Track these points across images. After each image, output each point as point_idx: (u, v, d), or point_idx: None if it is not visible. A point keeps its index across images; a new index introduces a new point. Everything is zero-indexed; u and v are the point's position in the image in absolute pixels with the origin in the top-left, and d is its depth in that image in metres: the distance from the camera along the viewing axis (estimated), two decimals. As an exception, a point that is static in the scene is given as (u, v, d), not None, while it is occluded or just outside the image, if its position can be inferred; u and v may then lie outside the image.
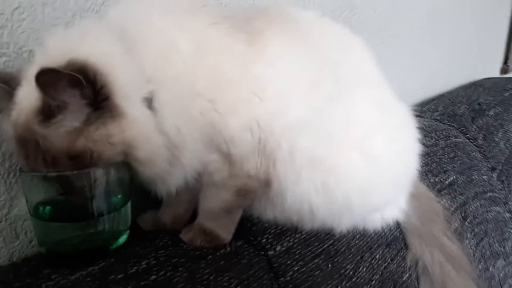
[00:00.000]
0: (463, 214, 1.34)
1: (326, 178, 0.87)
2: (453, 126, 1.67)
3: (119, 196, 0.80)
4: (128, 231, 0.83)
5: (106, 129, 0.69)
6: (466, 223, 1.34)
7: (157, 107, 0.73)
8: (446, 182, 1.37)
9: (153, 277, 0.74)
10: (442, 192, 1.32)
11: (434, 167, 1.37)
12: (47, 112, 0.67)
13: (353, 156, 0.88)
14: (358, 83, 0.90)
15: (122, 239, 0.81)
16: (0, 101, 0.72)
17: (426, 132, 1.48)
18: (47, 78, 0.63)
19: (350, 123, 0.88)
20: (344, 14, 1.52)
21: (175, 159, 0.77)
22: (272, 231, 0.96)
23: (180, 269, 0.77)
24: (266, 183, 0.87)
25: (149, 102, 0.73)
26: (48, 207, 0.77)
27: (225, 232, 0.90)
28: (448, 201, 1.31)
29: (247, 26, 0.83)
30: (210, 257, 0.83)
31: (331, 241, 0.99)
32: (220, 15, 0.84)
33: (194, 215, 0.94)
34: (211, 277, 0.78)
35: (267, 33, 0.83)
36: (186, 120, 0.76)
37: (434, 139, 1.48)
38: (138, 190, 0.82)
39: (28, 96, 0.69)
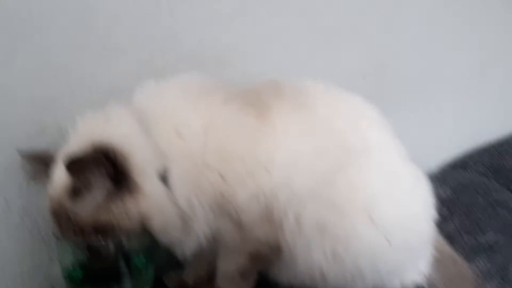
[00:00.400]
0: (504, 278, 1.27)
1: (335, 246, 0.89)
2: (498, 181, 1.60)
3: (142, 259, 0.88)
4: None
5: (124, 204, 0.79)
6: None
7: (170, 181, 0.83)
8: (485, 242, 1.31)
9: None
10: (480, 254, 1.27)
11: (470, 226, 1.33)
12: (75, 191, 0.78)
13: (361, 223, 0.90)
14: (366, 150, 0.93)
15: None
16: (39, 176, 0.86)
17: (464, 187, 1.45)
18: (75, 165, 0.75)
19: (357, 190, 0.91)
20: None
21: (187, 227, 0.85)
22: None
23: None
24: (277, 249, 0.92)
25: (164, 177, 0.82)
26: (79, 271, 0.87)
27: (242, 294, 0.95)
28: (486, 264, 1.25)
29: (257, 101, 0.91)
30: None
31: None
32: (232, 93, 0.92)
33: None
34: None
35: (274, 108, 0.90)
36: (197, 192, 0.84)
37: (472, 195, 1.44)
38: (164, 252, 0.91)
39: (60, 175, 0.81)
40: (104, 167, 0.76)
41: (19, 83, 0.93)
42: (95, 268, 0.85)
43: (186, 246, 0.89)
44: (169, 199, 0.83)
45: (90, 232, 0.80)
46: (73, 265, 0.86)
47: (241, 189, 0.85)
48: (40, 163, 0.85)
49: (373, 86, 1.50)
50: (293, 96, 0.94)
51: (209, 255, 0.99)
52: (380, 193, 0.92)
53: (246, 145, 0.86)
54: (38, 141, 0.94)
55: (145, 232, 0.84)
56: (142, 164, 0.81)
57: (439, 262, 1.06)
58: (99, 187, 0.78)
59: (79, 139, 0.81)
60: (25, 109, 0.95)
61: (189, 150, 0.84)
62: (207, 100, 0.89)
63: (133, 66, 1.04)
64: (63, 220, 0.80)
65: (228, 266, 0.94)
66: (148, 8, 1.04)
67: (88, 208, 0.79)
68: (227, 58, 1.18)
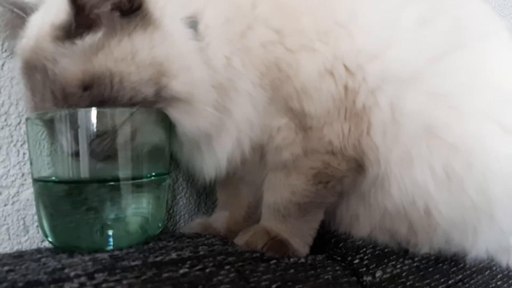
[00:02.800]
0: None
1: (450, 159, 0.58)
2: None
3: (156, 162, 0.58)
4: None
5: (132, 41, 0.50)
6: None
7: (202, 29, 0.54)
8: None
9: (183, 270, 0.48)
10: None
11: None
12: (69, 29, 0.51)
13: (489, 129, 0.59)
14: (486, 31, 0.64)
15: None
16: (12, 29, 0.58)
17: None
18: None
19: (482, 80, 0.61)
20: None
21: (223, 108, 0.55)
22: (368, 251, 0.66)
23: (227, 267, 0.50)
24: (358, 165, 0.61)
25: (193, 23, 0.54)
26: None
27: (299, 241, 0.63)
28: None
29: None
30: (273, 261, 0.55)
31: (460, 276, 0.66)
32: None
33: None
34: (273, 285, 0.50)
35: None
36: (240, 52, 0.55)
37: None
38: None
39: (45, 14, 0.54)
40: None
41: None
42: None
43: (219, 147, 0.58)
44: (199, 53, 0.54)
45: (75, 94, 0.50)
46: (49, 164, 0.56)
47: (307, 57, 0.56)
48: (18, 14, 0.59)
49: None
50: None
51: (250, 188, 0.69)
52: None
53: None
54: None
55: (158, 116, 0.54)
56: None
57: None
58: (106, 22, 0.51)
59: None
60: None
61: None
62: None
63: None
64: (38, 81, 0.52)
65: (281, 194, 0.63)
66: None
67: (77, 51, 0.50)
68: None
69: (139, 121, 0.54)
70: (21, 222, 0.65)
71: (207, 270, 0.49)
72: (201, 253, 0.53)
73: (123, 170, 0.55)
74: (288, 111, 0.58)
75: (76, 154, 0.52)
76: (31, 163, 0.57)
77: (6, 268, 0.45)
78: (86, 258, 0.49)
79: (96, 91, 0.50)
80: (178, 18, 0.53)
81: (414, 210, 0.61)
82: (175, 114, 0.54)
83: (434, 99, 0.58)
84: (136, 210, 0.56)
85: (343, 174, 0.61)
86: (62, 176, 0.55)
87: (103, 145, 0.52)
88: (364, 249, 0.66)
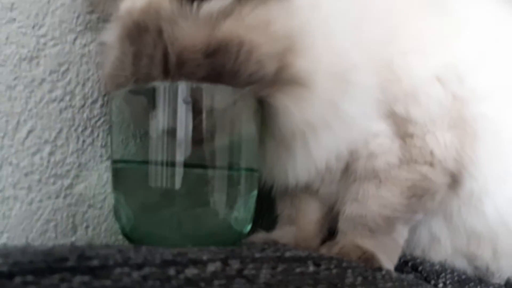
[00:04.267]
0: None
1: None
2: None
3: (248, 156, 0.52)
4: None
5: (268, 9, 0.46)
6: None
7: (325, 11, 0.51)
8: None
9: (312, 268, 0.42)
10: None
11: None
12: None
13: None
14: None
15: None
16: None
17: None
18: None
19: None
20: None
21: (333, 101, 0.52)
22: (448, 276, 0.62)
23: (349, 270, 0.44)
24: (453, 180, 0.58)
25: (317, 8, 0.52)
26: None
27: (386, 258, 0.57)
28: None
29: None
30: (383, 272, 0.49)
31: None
32: None
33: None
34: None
35: None
36: (358, 45, 0.52)
37: None
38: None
39: None
40: None
41: None
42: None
43: (317, 144, 0.53)
44: (326, 38, 0.50)
45: (195, 61, 0.45)
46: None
47: (419, 60, 0.54)
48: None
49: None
50: None
51: (322, 202, 0.64)
52: None
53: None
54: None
55: (256, 106, 0.49)
56: None
57: None
58: None
59: None
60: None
61: None
62: None
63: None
64: (147, 44, 0.46)
65: (370, 207, 0.57)
66: None
67: (205, 15, 0.46)
68: None
69: (242, 107, 0.49)
70: (70, 220, 0.56)
71: (333, 271, 0.43)
72: (313, 254, 0.47)
73: (220, 158, 0.49)
74: (390, 116, 0.56)
75: (172, 134, 0.46)
76: (111, 145, 0.50)
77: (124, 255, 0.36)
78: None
79: (219, 59, 0.45)
80: None
81: (504, 231, 0.59)
82: (285, 100, 0.49)
83: None
84: (228, 205, 0.50)
85: (437, 189, 0.58)
86: (152, 158, 0.48)
87: (206, 125, 0.46)
88: (444, 274, 0.62)
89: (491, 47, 0.59)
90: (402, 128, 0.56)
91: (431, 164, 0.57)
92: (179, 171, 0.47)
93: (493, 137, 0.57)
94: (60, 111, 0.55)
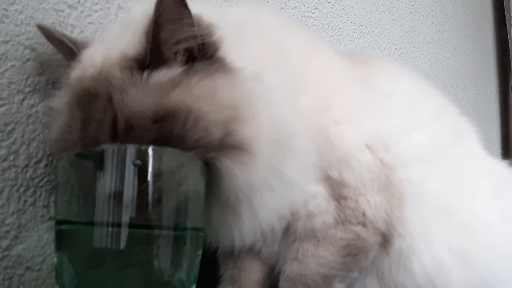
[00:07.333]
0: None
1: (464, 238, 0.64)
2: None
3: (194, 215, 0.54)
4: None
5: (213, 81, 0.50)
6: None
7: (267, 84, 0.56)
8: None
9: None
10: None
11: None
12: (143, 61, 0.50)
13: (489, 214, 0.67)
14: (464, 134, 0.77)
15: None
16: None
17: None
18: (171, 11, 0.49)
19: (478, 173, 0.70)
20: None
21: (275, 165, 0.56)
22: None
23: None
24: (384, 240, 0.63)
25: (260, 80, 0.56)
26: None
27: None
28: None
29: (355, 58, 0.74)
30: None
31: None
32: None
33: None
34: None
35: (377, 64, 0.73)
36: (296, 114, 0.57)
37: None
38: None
39: (111, 46, 0.53)
40: (195, 30, 0.51)
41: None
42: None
43: (261, 205, 0.55)
44: (268, 108, 0.55)
45: (143, 126, 0.47)
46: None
47: (350, 130, 0.60)
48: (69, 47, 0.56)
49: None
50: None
51: (263, 263, 0.66)
52: (503, 180, 0.72)
53: (355, 76, 0.65)
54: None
55: (202, 166, 0.52)
56: (237, 48, 0.55)
57: None
58: (184, 57, 0.51)
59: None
60: None
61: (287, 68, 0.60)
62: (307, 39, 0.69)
63: None
64: (96, 109, 0.48)
65: (308, 265, 0.61)
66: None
67: (153, 83, 0.49)
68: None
69: (189, 168, 0.52)
70: (7, 284, 0.53)
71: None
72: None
73: (166, 218, 0.50)
74: (326, 179, 0.60)
75: (119, 196, 0.47)
76: (55, 205, 0.50)
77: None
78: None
79: (168, 125, 0.48)
80: (250, 70, 0.55)
81: (429, 278, 0.63)
82: (230, 164, 0.52)
83: (448, 183, 0.66)
84: (173, 265, 0.51)
85: (370, 247, 0.62)
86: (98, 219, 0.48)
87: (154, 188, 0.48)
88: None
89: (413, 117, 0.66)
90: (337, 190, 0.61)
91: (364, 224, 0.61)
92: (124, 231, 0.48)
93: (417, 200, 0.63)
94: (3, 171, 0.55)
